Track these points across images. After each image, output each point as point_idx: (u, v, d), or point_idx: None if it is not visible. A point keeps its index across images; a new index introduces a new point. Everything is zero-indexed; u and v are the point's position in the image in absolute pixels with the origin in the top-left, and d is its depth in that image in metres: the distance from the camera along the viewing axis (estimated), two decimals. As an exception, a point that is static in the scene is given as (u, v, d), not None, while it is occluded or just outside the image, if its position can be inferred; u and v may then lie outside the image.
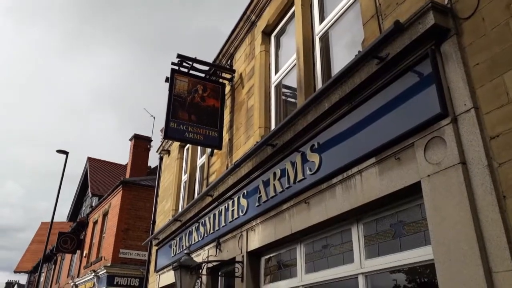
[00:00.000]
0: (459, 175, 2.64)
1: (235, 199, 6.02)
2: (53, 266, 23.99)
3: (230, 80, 7.41)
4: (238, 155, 6.37)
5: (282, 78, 6.06)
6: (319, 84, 4.88)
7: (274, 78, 6.19)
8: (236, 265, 5.59)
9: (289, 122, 4.51)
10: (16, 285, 72.18)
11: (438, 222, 2.73)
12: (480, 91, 2.70)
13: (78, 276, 17.44)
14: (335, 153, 3.89)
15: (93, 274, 14.72)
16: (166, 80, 6.78)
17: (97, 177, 20.91)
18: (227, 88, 7.40)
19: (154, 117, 18.73)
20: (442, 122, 2.83)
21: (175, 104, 6.43)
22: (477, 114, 2.66)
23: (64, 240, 18.65)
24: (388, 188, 3.21)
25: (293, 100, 6.06)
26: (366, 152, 3.43)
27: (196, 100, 6.63)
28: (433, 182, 2.81)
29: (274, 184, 4.93)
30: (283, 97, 6.23)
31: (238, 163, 5.65)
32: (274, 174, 4.95)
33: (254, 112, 6.13)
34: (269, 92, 6.16)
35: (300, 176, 4.40)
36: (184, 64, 6.94)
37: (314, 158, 4.18)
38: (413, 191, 3.09)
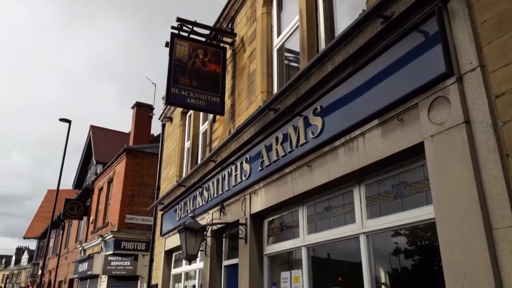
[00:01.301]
0: (463, 134, 2.63)
1: (238, 164, 6.06)
2: (61, 232, 24.57)
3: (231, 44, 7.28)
4: (240, 120, 6.36)
5: (285, 41, 5.94)
6: (322, 46, 4.79)
7: (277, 42, 6.07)
8: (240, 227, 5.71)
9: (292, 86, 4.46)
10: (26, 251, 74.33)
11: (440, 181, 2.74)
12: (487, 49, 2.65)
13: (85, 241, 17.88)
14: (338, 116, 3.87)
15: (100, 239, 15.07)
16: (166, 45, 6.67)
17: (101, 145, 21.02)
18: (228, 53, 7.28)
19: (155, 85, 18.55)
20: (447, 81, 2.80)
21: (176, 69, 6.35)
22: (482, 72, 2.62)
23: (71, 207, 19.00)
24: (391, 149, 3.21)
25: (295, 64, 5.97)
26: (369, 114, 3.42)
27: (197, 65, 6.54)
28: (436, 142, 2.81)
29: (276, 149, 4.95)
30: (286, 62, 6.13)
31: (240, 129, 5.65)
32: (277, 138, 4.96)
33: (256, 77, 6.06)
34: (271, 56, 6.07)
35: (302, 140, 4.41)
36: (184, 28, 6.80)
37: (317, 121, 4.17)
38: (416, 152, 3.09)
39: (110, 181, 16.95)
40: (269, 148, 5.15)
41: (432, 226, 3.02)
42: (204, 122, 8.80)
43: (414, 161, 3.23)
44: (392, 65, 3.25)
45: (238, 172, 6.02)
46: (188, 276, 8.36)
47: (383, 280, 3.53)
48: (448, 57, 2.79)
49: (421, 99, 2.98)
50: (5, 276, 57.61)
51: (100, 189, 18.16)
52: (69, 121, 21.35)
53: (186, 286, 8.35)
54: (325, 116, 4.06)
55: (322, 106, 4.12)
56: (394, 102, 3.17)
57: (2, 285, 42.98)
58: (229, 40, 7.31)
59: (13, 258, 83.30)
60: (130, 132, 18.85)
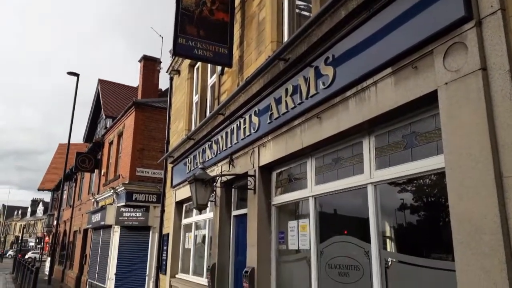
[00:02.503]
0: (478, 81, 2.56)
1: (247, 117, 6.04)
2: (74, 184, 25.23)
3: (241, -9, 7.02)
4: (249, 72, 6.26)
5: (296, -12, 5.71)
6: (335, -8, 4.58)
7: (288, -12, 5.84)
8: (249, 178, 5.79)
9: (303, 34, 4.33)
10: (41, 203, 76.99)
11: (452, 130, 2.71)
12: (510, -9, 2.51)
13: (98, 193, 18.37)
14: (350, 65, 3.78)
15: (112, 191, 15.45)
16: (173, -9, 6.46)
17: (110, 98, 21.04)
18: (237, 0, 7.04)
19: (162, 37, 18.18)
20: (465, 26, 2.68)
21: (183, 18, 6.18)
22: (503, 16, 2.50)
23: (82, 160, 19.37)
24: (403, 98, 3.16)
25: (307, 13, 5.77)
26: (382, 62, 3.33)
27: (205, 13, 6.36)
28: (451, 90, 2.75)
29: (286, 101, 4.90)
30: (297, 10, 5.93)
31: (249, 80, 5.57)
32: (286, 90, 4.89)
33: (266, 26, 5.89)
34: (282, 4, 5.86)
35: (312, 91, 4.35)
36: (191, -26, 6.54)
37: (328, 71, 4.09)
38: (428, 101, 3.04)
39: (120, 135, 17.12)
40: (278, 100, 5.10)
41: (441, 177, 3.03)
42: (212, 75, 8.70)
43: (426, 110, 3.18)
44: (409, 10, 3.12)
45: (247, 125, 6.02)
46: (198, 225, 8.62)
47: (388, 230, 3.59)
48: (468, 0, 2.66)
49: (437, 45, 2.88)
50: (22, 226, 60.07)
51: (110, 143, 18.40)
52: (77, 75, 21.28)
53: (196, 235, 8.63)
54: (337, 66, 3.97)
55: (334, 55, 4.02)
56: (409, 49, 3.07)
57: (20, 234, 44.91)
58: (238, -13, 7.05)
59: (29, 209, 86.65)
60: (138, 86, 18.77)
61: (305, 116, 4.53)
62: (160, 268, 10.33)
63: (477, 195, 2.49)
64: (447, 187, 2.72)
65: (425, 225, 3.26)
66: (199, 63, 9.28)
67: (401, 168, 3.38)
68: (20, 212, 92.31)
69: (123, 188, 14.42)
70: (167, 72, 11.62)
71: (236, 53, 6.93)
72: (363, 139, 3.89)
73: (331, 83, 4.01)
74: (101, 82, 21.77)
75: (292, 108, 4.73)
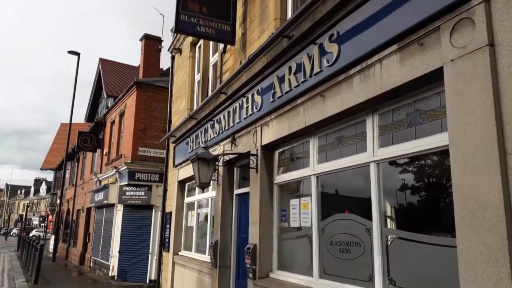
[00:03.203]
0: (485, 57, 2.53)
1: (249, 96, 6.01)
2: (76, 164, 25.37)
3: (243, -32, 6.89)
4: (251, 50, 6.20)
5: (300, -36, 5.59)
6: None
7: (291, -36, 5.72)
8: (251, 157, 5.80)
9: (307, 10, 4.27)
10: (43, 182, 77.56)
11: (457, 107, 2.70)
12: (520, -35, 2.45)
13: (100, 172, 18.47)
14: (355, 42, 3.74)
15: (114, 170, 15.53)
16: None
17: (111, 78, 20.94)
18: (240, -23, 6.91)
19: (163, 16, 17.94)
20: (473, 1, 2.64)
21: (186, -6, 6.08)
22: (513, -9, 2.46)
23: (84, 139, 19.42)
24: (408, 75, 3.13)
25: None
26: (388, 39, 3.29)
27: (207, -11, 6.25)
28: (457, 67, 2.72)
29: (289, 79, 4.87)
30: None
31: (252, 58, 5.52)
32: (290, 68, 4.86)
33: (269, 2, 5.79)
34: (286, -20, 5.75)
35: (316, 69, 4.31)
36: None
37: (333, 48, 4.04)
38: (434, 78, 3.01)
39: (121, 114, 17.11)
40: (281, 79, 5.07)
41: (444, 155, 3.03)
42: (214, 53, 8.62)
43: (431, 88, 3.16)
44: (416, -14, 3.06)
45: (250, 104, 6.00)
46: (200, 204, 8.69)
47: (390, 207, 3.62)
48: (477, -26, 2.60)
49: (444, 21, 2.84)
50: (26, 205, 60.71)
51: (112, 122, 18.40)
52: (78, 54, 21.12)
53: (199, 214, 8.72)
54: (341, 43, 3.92)
55: (339, 32, 3.97)
56: (415, 25, 3.03)
57: (24, 213, 45.45)
58: (240, -37, 6.91)
59: (32, 188, 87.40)
60: (139, 66, 18.64)
61: (308, 94, 4.51)
62: (163, 245, 10.48)
63: (480, 172, 2.50)
64: (450, 164, 2.73)
65: (426, 203, 3.28)
66: (201, 42, 9.18)
67: (404, 146, 3.38)
68: (23, 191, 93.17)
69: (125, 167, 14.49)
70: (168, 50, 11.52)
71: (238, 30, 6.85)
72: (366, 117, 3.88)
73: (336, 60, 3.98)
74: (102, 61, 21.62)
75: (296, 87, 4.71)
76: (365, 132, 3.91)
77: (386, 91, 3.38)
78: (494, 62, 2.51)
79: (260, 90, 5.67)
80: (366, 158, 3.81)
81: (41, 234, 39.41)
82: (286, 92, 4.92)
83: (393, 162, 3.57)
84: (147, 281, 13.99)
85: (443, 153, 3.03)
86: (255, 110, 5.80)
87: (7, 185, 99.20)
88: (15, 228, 64.74)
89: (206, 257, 7.52)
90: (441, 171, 3.11)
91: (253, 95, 5.88)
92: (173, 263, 9.34)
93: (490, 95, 2.49)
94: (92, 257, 18.04)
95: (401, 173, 3.53)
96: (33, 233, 42.74)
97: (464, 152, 2.62)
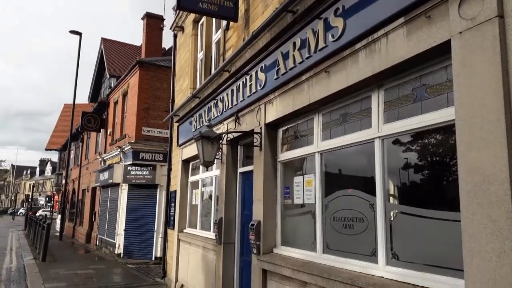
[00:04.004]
0: (494, 29, 2.48)
1: (253, 73, 5.96)
2: (81, 144, 25.50)
3: None
4: (255, 26, 6.11)
5: None
6: None
7: None
8: (255, 135, 5.80)
9: (312, -16, 4.18)
10: (49, 162, 78.19)
11: (465, 80, 2.66)
12: None
13: (105, 152, 18.58)
14: (361, 16, 3.67)
15: (119, 150, 15.61)
16: None
17: (113, 58, 20.81)
18: (243, -49, 6.76)
19: (165, -6, 17.69)
20: (484, -29, 2.57)
21: (188, -30, 5.97)
22: (525, -41, 2.39)
23: (88, 120, 19.47)
24: (415, 49, 3.08)
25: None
26: (395, 12, 3.22)
27: (210, -36, 6.12)
28: (465, 39, 2.67)
29: (293, 55, 4.81)
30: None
31: (255, 34, 5.45)
32: (294, 44, 4.79)
33: (273, -23, 5.67)
34: (290, -46, 5.61)
35: (321, 44, 4.25)
36: None
37: (338, 23, 3.98)
38: (441, 52, 2.97)
39: (124, 94, 17.08)
40: (285, 55, 5.01)
41: (449, 130, 3.01)
42: (217, 30, 8.52)
43: (438, 62, 3.12)
44: (424, -44, 2.98)
45: (253, 81, 5.95)
46: (204, 183, 8.75)
47: (394, 183, 3.62)
48: None
49: (453, -8, 2.77)
50: (31, 185, 61.37)
51: (116, 102, 18.39)
52: (79, 33, 20.94)
53: (203, 192, 8.79)
54: (347, 17, 3.86)
55: (344, 6, 3.89)
56: (423, -3, 2.96)
57: (30, 193, 46.00)
58: None
59: (37, 169, 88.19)
60: (141, 45, 18.49)
61: (313, 70, 4.46)
62: (168, 223, 10.61)
63: (486, 145, 2.49)
64: (456, 139, 2.71)
65: (430, 179, 3.28)
66: (203, 19, 9.06)
67: (410, 121, 3.36)
68: (29, 171, 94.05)
69: (129, 147, 14.56)
70: (170, 29, 11.39)
71: (241, 6, 6.75)
72: (372, 93, 3.84)
73: (341, 35, 3.92)
74: (104, 41, 21.44)
75: (300, 63, 4.65)
76: (370, 108, 3.88)
77: (392, 66, 3.34)
78: (504, 34, 2.46)
79: (263, 67, 5.61)
80: (370, 134, 3.79)
81: (48, 213, 39.97)
82: (291, 69, 4.87)
83: (398, 138, 3.55)
84: (153, 258, 14.24)
85: (449, 128, 3.01)
86: (258, 88, 5.77)
87: (12, 165, 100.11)
88: (22, 208, 65.68)
89: (211, 234, 7.61)
90: (446, 146, 3.09)
91: (256, 72, 5.83)
92: (178, 240, 9.47)
93: (498, 68, 2.45)
94: (98, 236, 18.32)
95: (405, 149, 3.52)
96: (40, 212, 43.36)
97: (471, 126, 2.60)
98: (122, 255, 14.48)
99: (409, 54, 3.14)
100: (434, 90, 3.18)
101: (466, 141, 2.63)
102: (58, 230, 23.31)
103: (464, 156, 2.63)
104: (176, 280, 9.39)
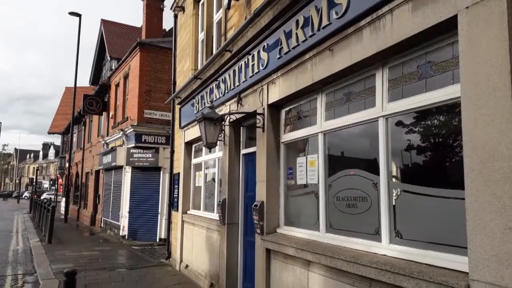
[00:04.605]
0: (502, 4, 2.43)
1: (255, 53, 5.90)
2: (83, 127, 25.53)
3: None
4: (257, 5, 6.01)
5: None
6: None
7: None
8: (257, 116, 5.77)
9: (315, -40, 4.08)
10: (52, 146, 78.54)
11: (471, 56, 2.62)
12: None
13: (107, 135, 18.60)
14: (365, -8, 3.59)
15: (121, 133, 15.61)
16: None
17: (113, 39, 20.62)
18: None
19: (164, -27, 17.38)
20: None
21: None
22: None
23: (90, 102, 19.42)
24: (420, 25, 3.03)
25: None
26: (400, -13, 3.15)
27: None
28: (471, 14, 2.62)
29: (296, 33, 4.74)
30: None
31: (257, 12, 5.36)
32: (297, 22, 4.72)
33: (275, -46, 5.54)
34: None
35: (325, 22, 4.18)
36: None
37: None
38: (447, 28, 2.91)
39: (126, 77, 16.98)
40: (288, 34, 4.94)
41: (454, 108, 2.98)
42: (218, 10, 8.39)
43: (443, 38, 3.06)
44: None
45: (255, 61, 5.89)
46: (207, 165, 8.77)
47: (397, 162, 3.61)
48: None
49: (460, -34, 2.70)
50: (35, 169, 61.80)
51: (117, 85, 18.30)
52: (79, 15, 20.70)
53: (206, 174, 8.82)
54: (350, -6, 3.77)
55: (347, -18, 3.81)
56: (429, -29, 2.89)
57: (34, 177, 46.37)
58: None
59: (41, 153, 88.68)
60: (142, 27, 18.28)
61: (316, 49, 4.41)
62: (172, 205, 10.69)
63: (492, 122, 2.46)
64: (461, 115, 2.69)
65: (434, 157, 3.27)
66: (204, -2, 8.92)
67: (414, 99, 3.33)
68: (32, 155, 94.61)
69: (132, 129, 14.56)
70: (171, 9, 11.23)
71: (243, -15, 6.62)
72: (376, 71, 3.80)
73: (345, 12, 3.85)
74: (104, 22, 21.21)
75: (303, 41, 4.59)
76: (374, 87, 3.84)
77: (397, 43, 3.28)
78: (511, 8, 2.41)
79: (266, 47, 5.55)
80: (374, 113, 3.77)
81: (52, 196, 40.34)
82: (293, 48, 4.81)
83: (402, 116, 3.52)
84: (157, 240, 14.42)
85: (454, 106, 2.98)
86: (261, 68, 5.71)
87: (16, 149, 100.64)
88: (26, 192, 66.28)
89: (215, 215, 7.67)
90: (451, 125, 3.07)
91: (259, 52, 5.77)
92: (182, 221, 9.56)
93: (505, 44, 2.41)
94: (102, 218, 18.52)
95: (409, 128, 3.50)
96: (44, 196, 43.79)
97: (476, 102, 2.57)
98: (126, 237, 14.66)
99: (414, 30, 3.08)
100: (440, 67, 3.14)
101: (471, 118, 2.60)
102: (63, 213, 23.57)
103: (469, 133, 2.61)
104: (181, 261, 9.51)
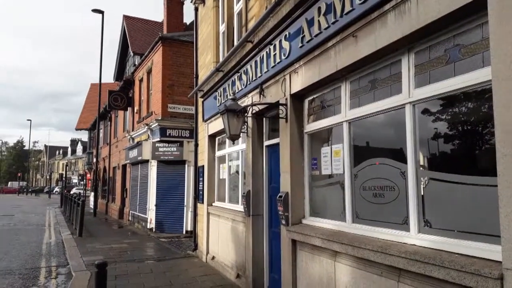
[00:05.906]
0: (537, -21, 2.30)
1: (277, 43, 5.85)
2: (109, 123, 26.07)
3: None
4: (278, -6, 5.93)
5: None
6: None
7: None
8: (280, 107, 5.73)
9: None
10: (79, 142, 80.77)
11: (502, 37, 2.51)
12: None
13: (133, 130, 18.94)
14: (389, -24, 3.49)
15: (146, 127, 15.86)
16: None
17: (136, 35, 20.89)
18: None
19: (184, -33, 17.42)
20: None
21: None
22: None
23: (115, 98, 19.79)
24: (447, 7, 2.92)
25: None
26: (425, -32, 3.04)
27: None
28: (504, -8, 2.50)
29: (318, 21, 4.67)
30: None
31: (278, 1, 5.31)
32: (319, 9, 4.64)
33: None
34: None
35: (348, 7, 4.10)
36: None
37: (364, -16, 3.80)
38: (476, 9, 2.80)
39: (149, 72, 17.20)
40: (310, 22, 4.87)
41: (483, 92, 2.87)
42: (238, 1, 8.35)
43: (472, 20, 2.94)
44: None
45: (277, 51, 5.84)
46: (231, 157, 8.81)
47: (426, 150, 3.51)
48: None
49: None
50: (64, 164, 63.71)
51: (140, 80, 18.57)
52: (102, 12, 21.05)
53: (230, 166, 8.86)
54: (374, -23, 3.67)
55: (371, -35, 3.71)
56: (457, -50, 2.77)
57: (63, 172, 47.83)
58: None
59: (69, 149, 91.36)
60: (163, 21, 18.44)
61: (339, 36, 4.32)
62: (197, 197, 10.82)
63: (526, 105, 2.36)
64: (492, 99, 2.58)
65: (463, 144, 3.16)
66: (224, -10, 8.89)
67: (442, 84, 3.22)
68: (61, 151, 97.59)
69: (156, 124, 14.76)
70: (191, 2, 11.26)
71: (263, -25, 6.56)
72: (402, 56, 3.70)
73: (368, -3, 3.75)
74: (126, 18, 21.50)
75: (326, 28, 4.51)
76: (400, 72, 3.74)
77: (423, 26, 3.18)
78: (547, -17, 2.29)
79: (287, 36, 5.49)
80: (401, 100, 3.67)
81: (81, 191, 41.54)
82: (316, 35, 4.74)
83: (429, 102, 3.42)
84: (184, 232, 14.64)
85: (484, 90, 2.87)
86: (283, 58, 5.66)
87: (45, 146, 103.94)
88: (57, 187, 68.52)
89: (239, 207, 7.71)
90: (480, 110, 2.96)
91: (280, 41, 5.71)
92: (208, 213, 9.67)
93: (541, 21, 2.29)
94: (130, 211, 18.94)
95: (437, 114, 3.39)
96: (74, 190, 45.17)
97: (508, 84, 2.46)
98: (154, 230, 14.95)
99: (441, 13, 2.97)
100: (469, 50, 3.03)
101: (503, 101, 2.50)
102: (92, 207, 24.23)
103: (501, 117, 2.51)
104: (207, 252, 9.64)
